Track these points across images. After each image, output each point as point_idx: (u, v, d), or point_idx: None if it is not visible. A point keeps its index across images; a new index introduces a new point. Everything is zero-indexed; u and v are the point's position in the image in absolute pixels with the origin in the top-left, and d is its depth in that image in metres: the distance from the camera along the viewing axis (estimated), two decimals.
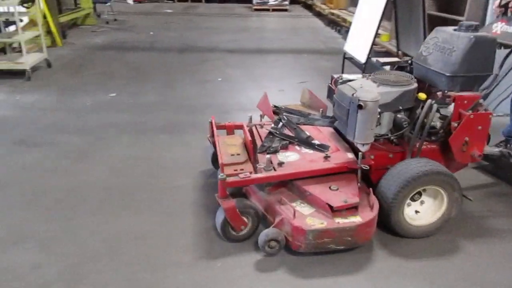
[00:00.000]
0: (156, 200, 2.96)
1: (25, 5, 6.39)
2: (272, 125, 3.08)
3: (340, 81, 2.93)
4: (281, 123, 3.09)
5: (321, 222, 2.32)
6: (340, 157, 2.67)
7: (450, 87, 2.59)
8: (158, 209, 2.86)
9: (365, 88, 2.54)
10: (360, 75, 2.97)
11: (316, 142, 2.85)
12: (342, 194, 2.43)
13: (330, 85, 3.11)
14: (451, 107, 2.61)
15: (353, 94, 2.43)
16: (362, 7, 5.69)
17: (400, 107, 2.63)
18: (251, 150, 2.71)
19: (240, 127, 3.15)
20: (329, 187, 2.49)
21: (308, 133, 2.96)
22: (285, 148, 2.81)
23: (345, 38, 6.98)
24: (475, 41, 2.49)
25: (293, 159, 2.69)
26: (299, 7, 15.69)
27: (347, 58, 5.90)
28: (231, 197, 2.47)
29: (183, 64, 6.89)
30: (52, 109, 4.72)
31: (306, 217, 2.36)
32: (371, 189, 2.52)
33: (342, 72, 5.56)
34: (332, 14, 10.67)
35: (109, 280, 2.23)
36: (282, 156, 2.71)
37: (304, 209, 2.44)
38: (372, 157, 2.60)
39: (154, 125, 4.31)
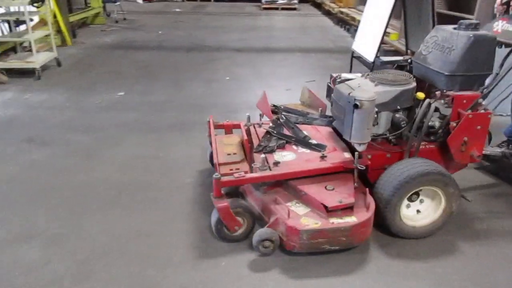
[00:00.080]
0: (163, 199, 2.98)
1: (35, 4, 6.48)
2: (270, 124, 3.08)
3: (339, 80, 2.91)
4: (279, 122, 3.08)
5: (316, 222, 2.31)
6: (337, 156, 2.65)
7: (449, 86, 2.55)
8: (163, 207, 2.88)
9: (362, 87, 2.51)
10: (359, 74, 2.94)
11: (313, 141, 2.83)
12: (338, 194, 2.41)
13: (329, 84, 3.09)
14: None
15: (349, 93, 2.42)
16: (371, 6, 5.62)
17: (398, 107, 2.59)
18: (248, 150, 2.71)
19: (238, 126, 3.15)
20: (325, 187, 2.47)
21: (305, 133, 2.95)
22: (282, 147, 2.80)
23: (354, 37, 6.92)
24: (474, 40, 2.45)
25: (289, 158, 2.68)
26: (308, 6, 15.63)
27: (355, 57, 5.84)
28: (228, 197, 2.47)
29: (191, 63, 6.92)
30: (61, 108, 4.79)
31: (301, 217, 2.35)
32: (367, 189, 2.50)
33: (350, 71, 5.50)
34: (341, 12, 10.61)
35: (115, 276, 2.27)
36: (279, 155, 2.71)
37: (299, 209, 2.43)
38: (370, 157, 2.57)
39: (162, 123, 4.34)
